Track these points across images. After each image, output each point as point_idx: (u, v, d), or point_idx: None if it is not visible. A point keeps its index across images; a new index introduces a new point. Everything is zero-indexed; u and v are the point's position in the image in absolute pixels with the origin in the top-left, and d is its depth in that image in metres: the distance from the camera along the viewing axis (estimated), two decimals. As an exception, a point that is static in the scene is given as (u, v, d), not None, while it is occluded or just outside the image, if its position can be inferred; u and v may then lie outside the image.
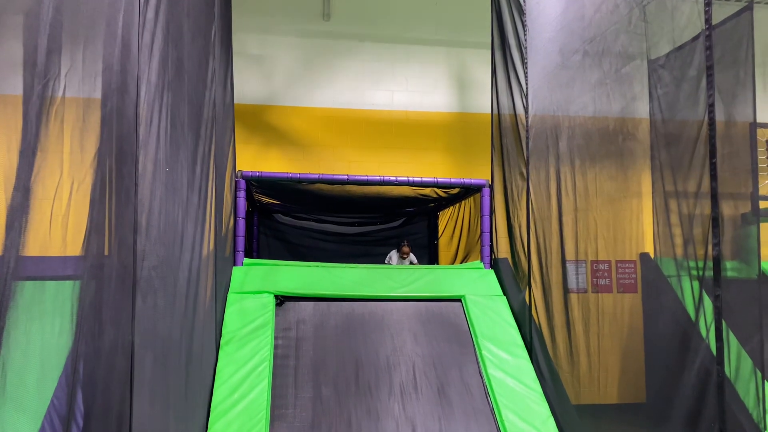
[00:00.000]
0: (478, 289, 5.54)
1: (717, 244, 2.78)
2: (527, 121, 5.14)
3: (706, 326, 3.17)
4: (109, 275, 2.24)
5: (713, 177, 2.82)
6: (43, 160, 1.62)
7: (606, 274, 4.34)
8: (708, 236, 2.81)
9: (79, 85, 1.93)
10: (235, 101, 5.93)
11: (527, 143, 5.13)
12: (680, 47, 3.14)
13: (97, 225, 2.12)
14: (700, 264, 3.04)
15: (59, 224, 1.77)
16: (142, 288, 2.63)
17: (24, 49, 1.58)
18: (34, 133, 1.58)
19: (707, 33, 2.85)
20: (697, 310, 3.16)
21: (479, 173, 6.41)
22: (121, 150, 2.31)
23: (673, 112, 3.31)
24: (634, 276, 4.29)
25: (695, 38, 2.95)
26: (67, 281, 2.04)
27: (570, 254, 4.39)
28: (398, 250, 7.24)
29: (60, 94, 1.77)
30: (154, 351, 2.81)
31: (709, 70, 2.87)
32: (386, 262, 7.22)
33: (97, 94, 2.11)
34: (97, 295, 2.22)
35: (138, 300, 2.56)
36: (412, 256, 7.30)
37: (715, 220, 2.79)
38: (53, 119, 1.71)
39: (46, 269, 1.83)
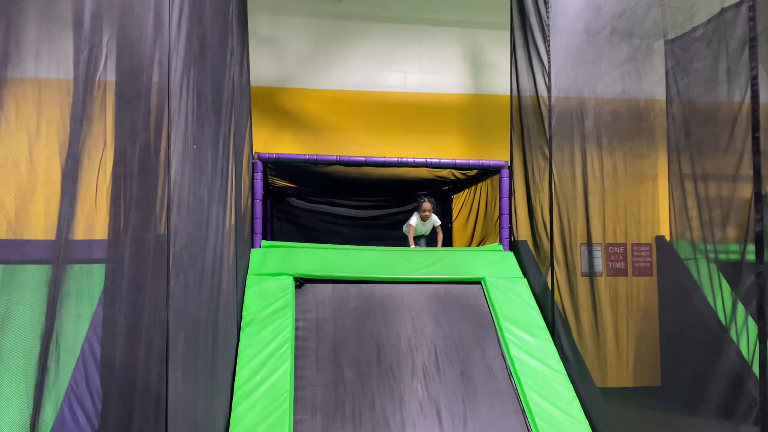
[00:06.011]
0: (498, 271, 5.49)
1: (760, 220, 2.72)
2: (550, 101, 5.06)
3: (726, 312, 3.16)
4: (147, 252, 2.20)
5: (756, 152, 2.75)
6: (88, 129, 1.57)
7: (623, 257, 4.28)
8: (750, 212, 2.76)
9: (118, 53, 1.87)
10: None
11: (550, 123, 5.05)
12: (719, 15, 3.05)
13: (134, 200, 2.07)
14: (737, 247, 2.99)
15: (104, 196, 1.72)
16: (174, 266, 2.58)
17: (73, 12, 1.52)
18: (81, 102, 1.53)
19: (751, 3, 2.77)
20: (733, 307, 3.12)
21: (494, 155, 6.29)
22: (156, 123, 2.25)
23: (709, 88, 3.23)
24: (650, 260, 4.24)
25: (739, 3, 2.86)
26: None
27: (597, 237, 4.32)
28: (418, 211, 6.33)
29: (102, 61, 1.71)
30: (185, 330, 2.78)
31: (752, 42, 2.79)
32: (404, 230, 6.50)
33: (135, 64, 2.04)
34: (133, 272, 2.17)
35: (171, 278, 2.51)
36: (434, 218, 6.43)
37: (758, 195, 2.73)
38: (97, 87, 1.65)
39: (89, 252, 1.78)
